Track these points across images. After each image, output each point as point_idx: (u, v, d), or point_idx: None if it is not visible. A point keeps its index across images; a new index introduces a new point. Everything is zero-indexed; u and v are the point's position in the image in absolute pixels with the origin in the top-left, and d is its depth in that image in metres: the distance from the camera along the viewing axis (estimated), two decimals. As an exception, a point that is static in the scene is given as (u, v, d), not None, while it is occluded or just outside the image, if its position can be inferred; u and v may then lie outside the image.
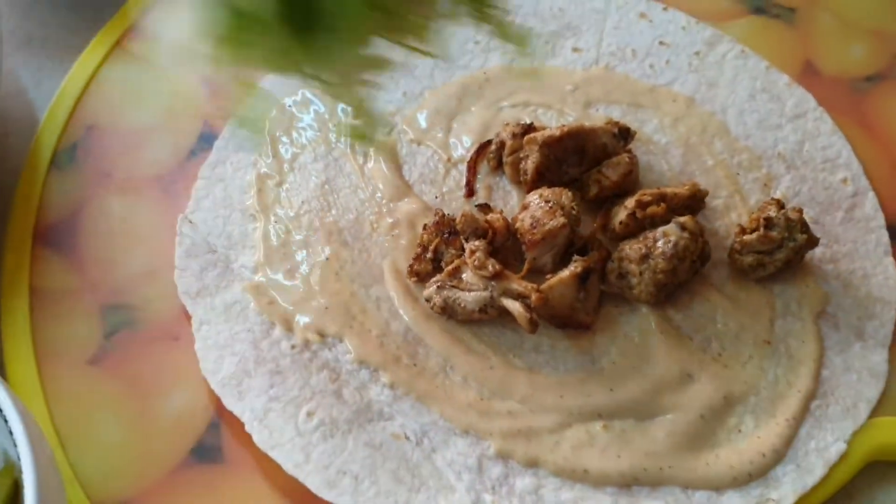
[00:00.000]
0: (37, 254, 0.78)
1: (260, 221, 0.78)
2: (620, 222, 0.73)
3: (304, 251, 0.76)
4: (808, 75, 0.88)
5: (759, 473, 0.65)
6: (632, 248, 0.71)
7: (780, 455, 0.66)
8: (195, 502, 0.67)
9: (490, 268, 0.71)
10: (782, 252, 0.72)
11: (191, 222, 0.77)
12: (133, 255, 0.78)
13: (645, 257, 0.70)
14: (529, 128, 0.77)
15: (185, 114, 0.86)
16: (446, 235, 0.74)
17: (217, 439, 0.69)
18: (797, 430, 0.67)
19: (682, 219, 0.71)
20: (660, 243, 0.70)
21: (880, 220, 0.77)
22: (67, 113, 0.86)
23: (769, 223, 0.72)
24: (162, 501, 0.67)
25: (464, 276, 0.72)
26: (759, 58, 0.87)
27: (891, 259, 0.75)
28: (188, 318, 0.73)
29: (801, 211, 0.73)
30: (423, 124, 0.83)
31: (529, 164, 0.75)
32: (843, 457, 0.66)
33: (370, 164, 0.81)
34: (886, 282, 0.74)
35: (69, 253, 0.78)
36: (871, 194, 0.79)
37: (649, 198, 0.73)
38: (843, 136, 0.82)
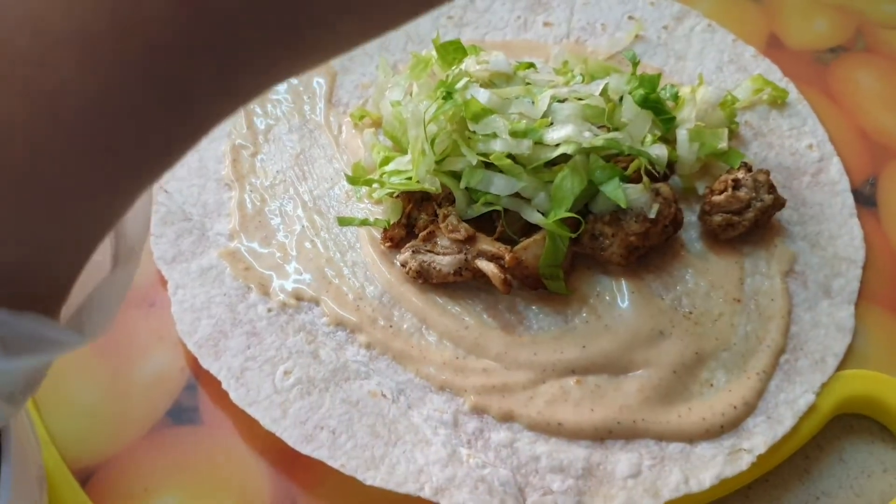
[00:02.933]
0: (12, 224, 0.77)
1: (235, 190, 0.78)
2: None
3: (280, 219, 0.77)
4: (773, 48, 0.90)
5: (730, 425, 0.66)
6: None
7: (750, 407, 0.67)
8: (172, 463, 0.66)
9: (463, 231, 0.72)
10: (750, 212, 0.73)
11: (166, 191, 0.78)
12: (109, 225, 0.78)
13: (618, 220, 0.71)
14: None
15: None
16: (419, 201, 0.75)
17: (194, 400, 0.69)
18: (767, 383, 0.69)
19: (656, 184, 0.72)
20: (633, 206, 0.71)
21: (845, 183, 0.79)
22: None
23: (737, 184, 0.74)
24: (138, 463, 0.67)
25: (438, 240, 0.73)
26: (726, 31, 0.89)
27: (856, 220, 0.77)
28: (164, 284, 0.73)
29: (767, 172, 0.75)
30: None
31: None
32: (812, 408, 0.67)
33: (344, 136, 0.82)
34: (852, 242, 0.76)
35: (44, 223, 0.78)
36: (836, 159, 0.80)
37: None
38: (808, 104, 0.84)
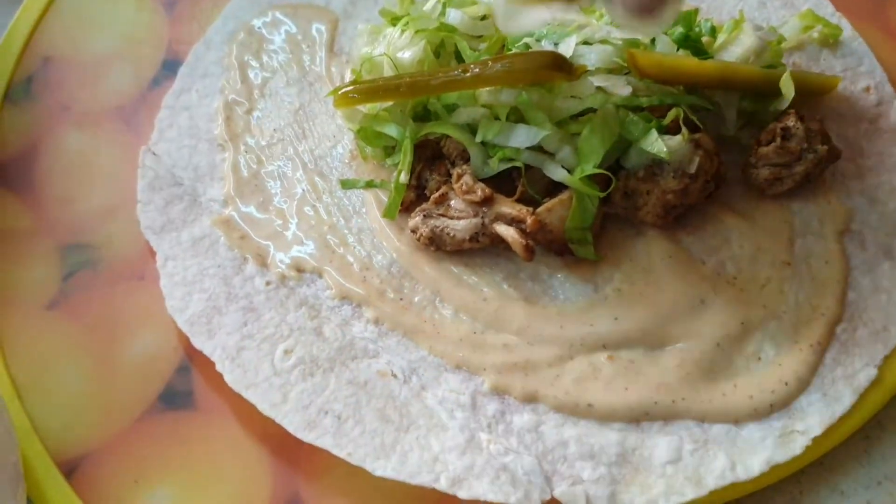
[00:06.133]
0: (-9, 193, 0.72)
1: (229, 151, 0.72)
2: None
3: (278, 182, 0.70)
4: (823, -20, 0.81)
5: (781, 404, 0.59)
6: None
7: (804, 383, 0.60)
8: (164, 453, 0.61)
9: (479, 192, 0.64)
10: (801, 165, 0.66)
11: (154, 154, 0.71)
12: (93, 192, 0.72)
13: (653, 175, 0.64)
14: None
15: (146, 41, 0.80)
16: (430, 160, 0.68)
17: (188, 384, 0.63)
18: (822, 356, 0.61)
19: (696, 135, 0.64)
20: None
21: (908, 130, 0.71)
22: (22, 44, 0.80)
23: (787, 133, 0.66)
24: (128, 453, 0.61)
25: (451, 202, 0.66)
26: (770, -37, 0.80)
27: (921, 171, 0.69)
28: (153, 255, 0.67)
29: (821, 121, 0.67)
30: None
31: None
32: (874, 383, 0.60)
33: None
34: (916, 195, 0.68)
35: (25, 191, 0.72)
36: (898, 103, 0.72)
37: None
38: (864, 42, 0.75)
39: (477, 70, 0.63)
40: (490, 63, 0.64)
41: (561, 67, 0.63)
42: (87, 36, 0.81)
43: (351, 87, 0.67)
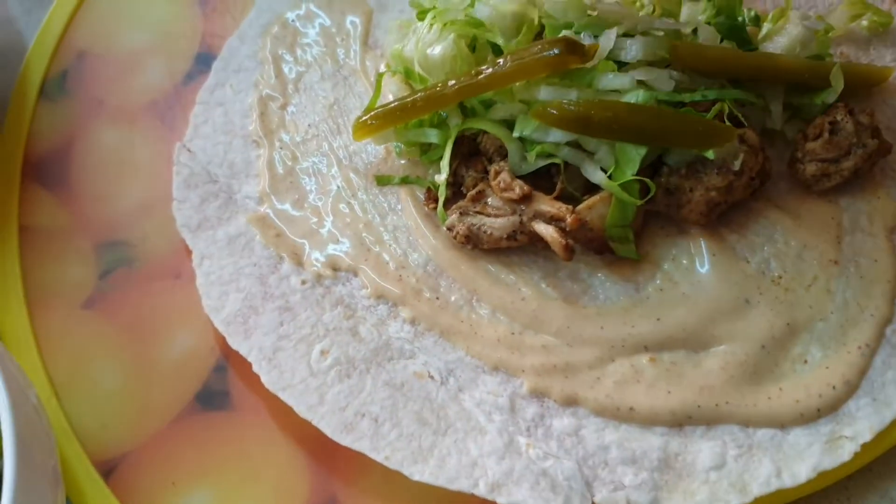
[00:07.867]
0: (26, 190, 0.72)
1: (264, 148, 0.71)
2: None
3: (313, 179, 0.69)
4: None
5: (829, 408, 0.58)
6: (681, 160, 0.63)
7: (852, 387, 0.59)
8: (201, 454, 0.61)
9: (517, 189, 0.63)
10: (850, 160, 0.64)
11: (189, 151, 0.71)
12: (128, 189, 0.72)
13: (696, 172, 0.62)
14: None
15: (180, 35, 0.79)
16: (466, 157, 0.67)
17: (224, 384, 0.63)
18: (871, 358, 0.60)
19: (741, 130, 0.63)
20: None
21: (962, 121, 0.68)
22: (56, 39, 0.80)
23: (835, 127, 0.64)
24: (165, 453, 0.61)
25: (489, 200, 0.64)
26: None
27: (975, 165, 0.66)
28: (189, 254, 0.67)
29: (872, 114, 0.65)
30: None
31: None
32: (925, 387, 0.59)
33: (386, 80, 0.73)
34: (970, 191, 0.66)
35: (60, 188, 0.72)
36: (952, 93, 0.70)
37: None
38: (917, 28, 0.73)
39: (490, 70, 0.62)
40: (502, 60, 0.62)
41: (573, 51, 0.61)
42: (121, 30, 0.80)
43: (367, 116, 0.66)
